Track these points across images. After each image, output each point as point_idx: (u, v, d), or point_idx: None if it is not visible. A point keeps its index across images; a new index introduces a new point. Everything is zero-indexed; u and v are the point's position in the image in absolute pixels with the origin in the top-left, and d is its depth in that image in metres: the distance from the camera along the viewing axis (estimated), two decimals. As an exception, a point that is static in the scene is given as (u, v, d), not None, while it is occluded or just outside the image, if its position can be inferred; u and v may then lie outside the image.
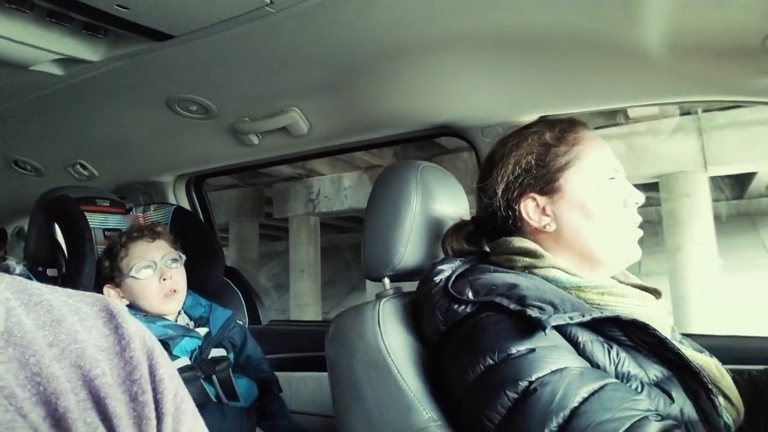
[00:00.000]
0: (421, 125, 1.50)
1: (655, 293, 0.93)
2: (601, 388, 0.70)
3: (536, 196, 0.91)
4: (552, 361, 0.72)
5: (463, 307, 0.82)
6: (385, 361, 0.88)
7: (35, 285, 0.41)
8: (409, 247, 1.00)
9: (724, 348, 1.08)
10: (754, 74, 1.03)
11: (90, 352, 0.38)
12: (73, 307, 0.41)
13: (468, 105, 1.36)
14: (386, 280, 1.04)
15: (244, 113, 1.48)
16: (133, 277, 1.37)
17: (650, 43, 1.00)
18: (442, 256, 1.01)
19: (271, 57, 1.19)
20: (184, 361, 1.30)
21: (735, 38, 0.94)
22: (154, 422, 0.39)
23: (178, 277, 1.43)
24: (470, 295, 0.82)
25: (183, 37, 1.09)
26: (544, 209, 0.91)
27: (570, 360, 0.73)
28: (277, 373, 1.57)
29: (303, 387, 1.71)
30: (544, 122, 0.97)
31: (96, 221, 1.56)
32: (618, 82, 1.19)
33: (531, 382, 0.70)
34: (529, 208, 0.91)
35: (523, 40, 1.08)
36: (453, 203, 1.10)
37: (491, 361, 0.74)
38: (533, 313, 0.74)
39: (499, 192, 0.93)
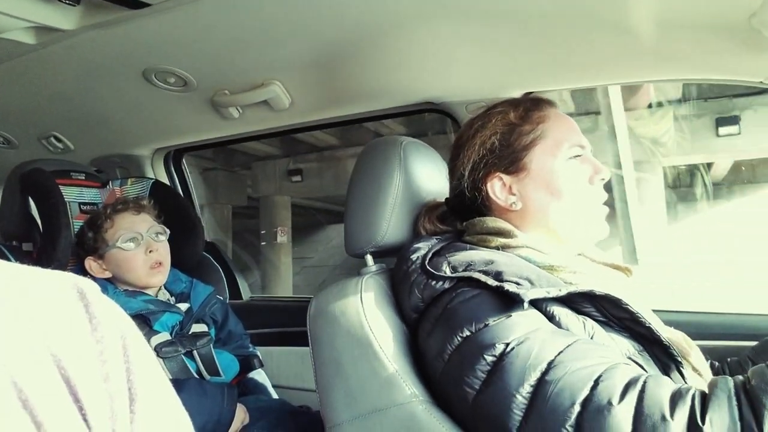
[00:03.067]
0: (404, 101, 1.48)
1: (626, 270, 0.94)
2: (574, 342, 0.72)
3: (502, 175, 0.91)
4: (526, 324, 0.74)
5: (440, 283, 0.83)
6: (367, 338, 0.88)
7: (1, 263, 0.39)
8: (391, 223, 0.99)
9: (690, 323, 1.11)
10: (740, 53, 1.03)
11: (58, 331, 0.37)
12: (41, 286, 0.39)
13: (452, 81, 1.35)
14: (368, 257, 1.03)
15: (224, 86, 1.45)
16: (119, 248, 1.36)
17: (637, 19, 0.99)
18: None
19: (252, 29, 1.16)
20: (165, 336, 1.29)
21: (721, 16, 0.94)
22: (126, 402, 0.38)
23: (164, 251, 1.42)
24: (448, 271, 0.83)
25: (160, 5, 1.05)
26: (510, 188, 0.91)
27: (543, 322, 0.76)
28: (258, 348, 1.57)
29: (285, 362, 1.71)
30: (509, 102, 0.97)
31: (71, 195, 1.53)
32: (604, 58, 1.18)
33: (507, 344, 0.72)
34: (496, 187, 0.92)
35: (509, 16, 1.07)
36: (436, 179, 1.09)
37: (468, 333, 0.75)
38: (511, 287, 0.75)
39: (466, 173, 0.93)
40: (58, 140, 1.83)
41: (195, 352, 1.33)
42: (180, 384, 1.18)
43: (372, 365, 0.87)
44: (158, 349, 1.25)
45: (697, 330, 1.01)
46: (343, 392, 0.89)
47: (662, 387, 0.65)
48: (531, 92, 1.33)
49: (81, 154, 1.92)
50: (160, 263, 1.39)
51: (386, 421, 0.84)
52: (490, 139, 0.92)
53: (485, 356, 0.72)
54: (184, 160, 2.09)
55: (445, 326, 0.79)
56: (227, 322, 1.52)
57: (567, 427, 0.65)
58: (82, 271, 1.38)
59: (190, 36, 1.20)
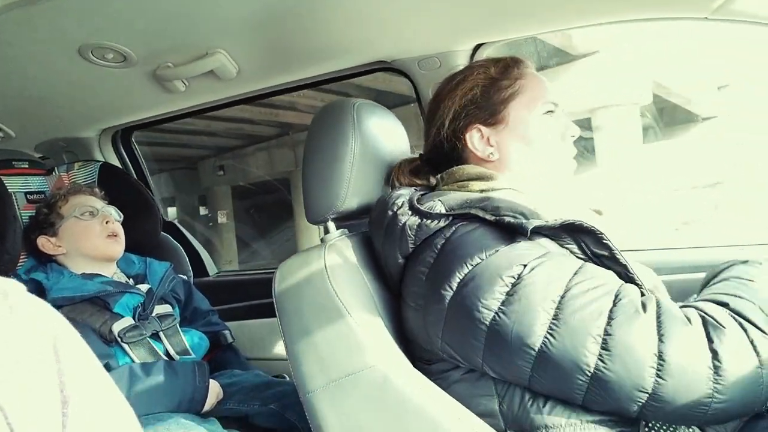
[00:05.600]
0: (356, 61, 1.45)
1: (597, 212, 0.98)
2: (584, 263, 0.78)
3: (481, 127, 0.95)
4: (537, 249, 0.78)
5: (436, 222, 0.83)
6: (334, 304, 0.88)
7: None
8: (350, 187, 0.98)
9: (655, 261, 1.14)
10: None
11: None
12: None
13: (402, 36, 1.32)
14: (330, 224, 1.02)
15: (166, 59, 1.38)
16: (76, 217, 1.36)
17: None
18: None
19: (189, -5, 1.10)
20: (128, 320, 1.26)
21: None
22: (58, 406, 0.37)
23: (119, 226, 1.43)
24: (443, 209, 0.84)
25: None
26: (488, 140, 0.95)
27: (550, 246, 0.80)
28: (230, 323, 1.56)
29: (257, 334, 1.71)
30: (489, 59, 1.02)
31: (16, 185, 1.46)
32: (550, 5, 1.17)
33: (525, 265, 0.75)
34: (474, 138, 0.96)
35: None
36: (393, 140, 1.08)
37: (479, 259, 0.77)
38: (512, 220, 0.78)
39: (447, 123, 0.97)
40: (-3, 128, 1.74)
41: (161, 334, 1.31)
42: (148, 368, 1.17)
43: (340, 330, 0.87)
44: (122, 335, 1.23)
45: (655, 267, 1.04)
46: (314, 359, 0.89)
47: (672, 303, 0.73)
48: (482, 44, 1.32)
49: (23, 141, 1.84)
50: (116, 234, 1.39)
51: (359, 384, 0.85)
52: (472, 91, 0.96)
53: (503, 277, 0.74)
54: (133, 139, 2.02)
55: (452, 256, 0.79)
56: (191, 300, 1.50)
57: (594, 336, 0.70)
58: (36, 262, 1.34)
59: (123, 8, 1.13)
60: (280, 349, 1.64)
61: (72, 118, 1.76)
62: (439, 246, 0.81)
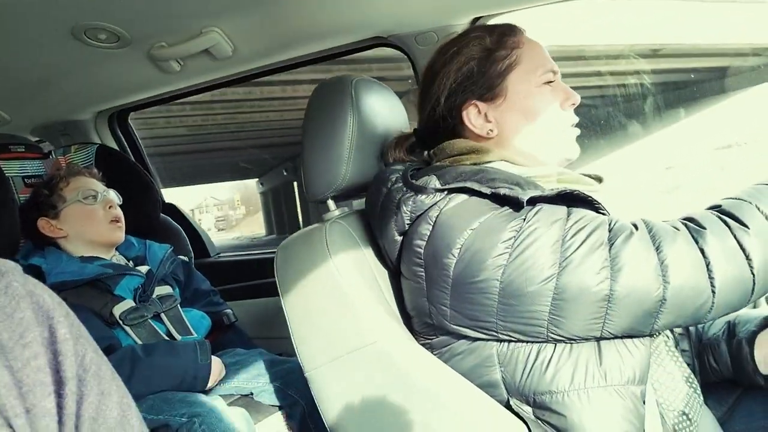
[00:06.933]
0: (353, 37, 1.44)
1: (597, 179, 0.96)
2: (571, 209, 0.79)
3: (478, 102, 0.92)
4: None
5: (430, 196, 0.82)
6: (335, 281, 0.88)
7: None
8: (351, 164, 0.97)
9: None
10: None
11: None
12: None
13: (399, 11, 1.30)
14: (330, 202, 1.02)
15: (161, 38, 1.37)
16: (79, 201, 1.35)
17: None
18: None
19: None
20: (128, 303, 1.26)
21: None
22: (50, 387, 0.36)
23: (120, 211, 1.42)
24: (438, 184, 0.83)
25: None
26: (486, 116, 0.92)
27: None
28: (232, 303, 1.56)
29: (260, 313, 1.72)
30: (483, 27, 0.96)
31: (13, 169, 1.46)
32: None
33: (524, 219, 0.76)
34: (471, 114, 0.92)
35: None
36: (391, 116, 1.07)
37: (478, 223, 0.77)
38: (508, 191, 0.77)
39: (442, 100, 0.93)
40: (-8, 112, 1.73)
41: (163, 315, 1.31)
42: (149, 348, 1.17)
43: (343, 307, 0.87)
44: (123, 318, 1.23)
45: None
46: (318, 337, 0.90)
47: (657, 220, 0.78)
48: (479, 17, 1.30)
49: (19, 124, 1.83)
50: (118, 219, 1.39)
51: (362, 360, 0.85)
52: (467, 65, 0.91)
53: (504, 232, 0.75)
54: (130, 120, 2.01)
55: (450, 225, 0.78)
56: (191, 281, 1.50)
57: (602, 262, 0.72)
58: (32, 246, 1.34)
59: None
60: (283, 327, 1.65)
61: (67, 101, 1.74)
62: (434, 218, 0.81)
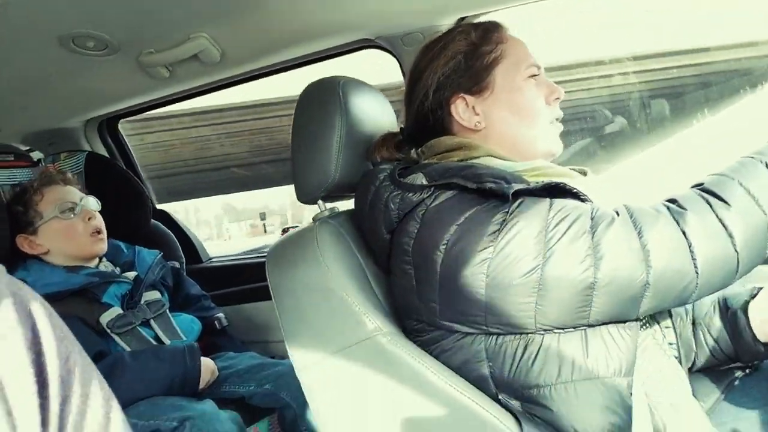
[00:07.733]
0: (340, 40, 1.45)
1: (582, 173, 0.97)
2: (552, 199, 0.79)
3: (465, 96, 0.93)
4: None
5: (418, 194, 0.83)
6: (327, 281, 0.89)
7: None
8: (339, 164, 0.98)
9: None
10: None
11: None
12: None
13: (385, 12, 1.31)
14: (320, 202, 1.02)
15: (148, 45, 1.37)
16: (57, 217, 1.31)
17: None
18: None
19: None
20: (116, 311, 1.26)
21: None
22: (33, 388, 0.36)
23: (100, 219, 1.39)
24: (424, 181, 0.84)
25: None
26: (473, 109, 0.94)
27: None
28: (225, 308, 1.56)
29: (253, 317, 1.72)
30: (467, 24, 0.99)
31: (1, 178, 1.45)
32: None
33: (507, 212, 0.76)
34: (459, 108, 0.94)
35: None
36: (379, 115, 1.08)
37: (463, 218, 0.77)
38: (493, 186, 0.77)
39: (430, 94, 0.95)
40: (-20, 122, 1.72)
41: (151, 321, 1.30)
42: (137, 354, 1.16)
43: (334, 307, 0.88)
44: (111, 326, 1.22)
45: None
46: (309, 336, 0.90)
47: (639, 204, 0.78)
48: (465, 17, 1.31)
49: (8, 133, 1.83)
50: (99, 230, 1.36)
51: (353, 357, 0.86)
52: (454, 59, 0.93)
53: (489, 226, 0.75)
54: (120, 128, 2.01)
55: (436, 222, 0.79)
56: (181, 287, 1.49)
57: (585, 250, 0.73)
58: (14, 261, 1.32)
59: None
60: (276, 331, 1.65)
61: (56, 109, 1.74)
62: (421, 215, 0.81)
